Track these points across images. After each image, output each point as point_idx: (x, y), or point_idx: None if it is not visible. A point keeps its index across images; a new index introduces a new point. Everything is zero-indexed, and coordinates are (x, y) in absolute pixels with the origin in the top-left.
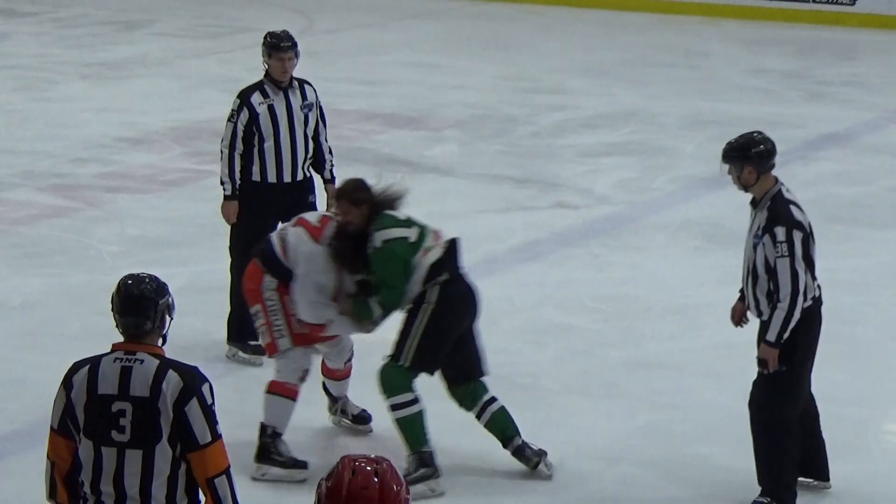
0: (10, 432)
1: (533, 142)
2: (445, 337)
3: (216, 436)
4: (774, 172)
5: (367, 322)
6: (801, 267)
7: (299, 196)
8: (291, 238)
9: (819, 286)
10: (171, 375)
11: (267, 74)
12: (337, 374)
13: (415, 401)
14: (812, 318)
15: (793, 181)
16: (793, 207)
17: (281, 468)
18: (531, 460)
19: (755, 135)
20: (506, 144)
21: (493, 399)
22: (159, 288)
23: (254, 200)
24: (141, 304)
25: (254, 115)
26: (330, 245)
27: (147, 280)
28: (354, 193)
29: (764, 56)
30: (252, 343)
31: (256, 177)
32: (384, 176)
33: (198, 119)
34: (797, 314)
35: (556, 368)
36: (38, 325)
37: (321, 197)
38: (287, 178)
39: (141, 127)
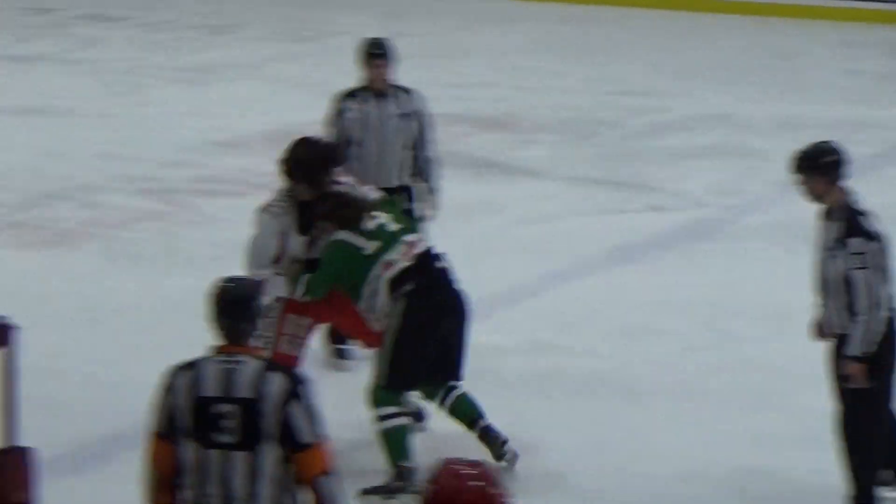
0: (110, 436)
1: (625, 144)
2: (415, 350)
3: (320, 436)
4: (853, 179)
5: (294, 292)
6: (877, 278)
7: None
8: None
9: None
10: (275, 377)
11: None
12: None
13: (396, 415)
14: (892, 331)
15: (887, 184)
16: (867, 218)
17: None
18: (497, 441)
19: (825, 144)
20: (597, 147)
21: (456, 386)
22: (255, 290)
23: None
24: (239, 306)
25: (345, 120)
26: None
27: (244, 282)
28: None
29: (857, 57)
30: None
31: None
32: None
33: (290, 122)
34: (879, 327)
35: (650, 372)
36: (134, 329)
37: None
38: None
39: (233, 131)
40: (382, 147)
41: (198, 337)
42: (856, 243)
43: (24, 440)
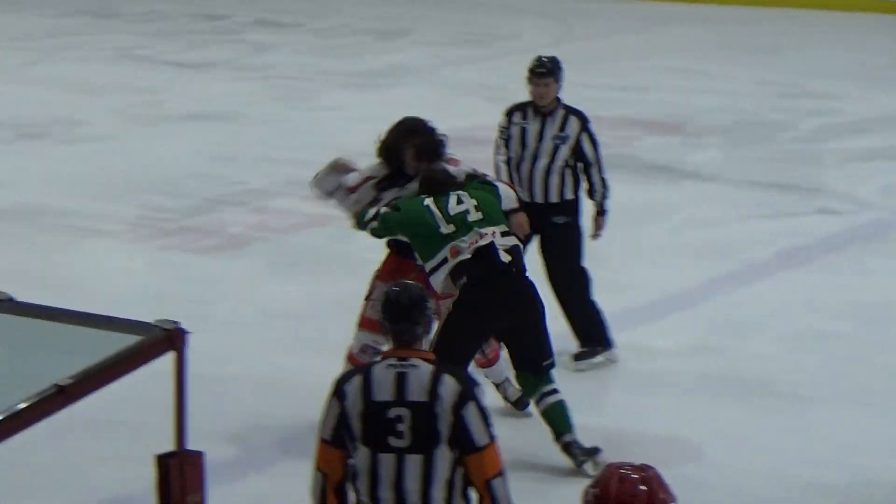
0: (278, 440)
1: (795, 147)
2: (459, 338)
3: (492, 438)
4: None
5: (353, 219)
6: None
7: (539, 215)
8: None
9: None
10: (448, 380)
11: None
12: (483, 362)
13: None
14: None
15: None
16: None
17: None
18: (577, 458)
19: None
20: (768, 150)
21: (555, 391)
22: (424, 294)
23: None
24: (412, 310)
25: (509, 130)
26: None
27: (414, 287)
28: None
29: None
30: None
31: None
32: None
33: (461, 127)
34: None
35: (819, 376)
36: (301, 333)
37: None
38: (523, 198)
39: None
40: (533, 165)
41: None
42: None
43: (192, 444)
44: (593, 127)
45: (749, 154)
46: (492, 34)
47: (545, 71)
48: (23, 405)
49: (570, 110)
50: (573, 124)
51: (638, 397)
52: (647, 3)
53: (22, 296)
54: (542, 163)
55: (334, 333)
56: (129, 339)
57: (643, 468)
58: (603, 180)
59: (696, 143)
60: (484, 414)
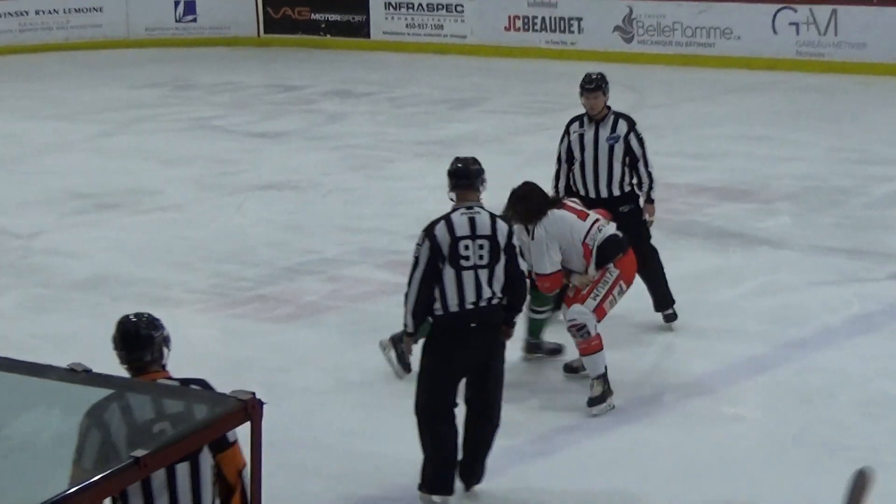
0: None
1: (866, 213)
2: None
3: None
4: None
5: None
6: None
7: (606, 208)
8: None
9: None
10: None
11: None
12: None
13: None
14: None
15: None
16: None
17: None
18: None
19: None
20: (839, 216)
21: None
22: (154, 324)
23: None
24: (139, 339)
25: (569, 139)
26: None
27: (145, 317)
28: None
29: None
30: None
31: (574, 188)
32: None
33: None
34: None
35: (894, 442)
36: (378, 400)
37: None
38: (592, 194)
39: None
40: (595, 164)
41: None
42: None
43: None
44: (640, 128)
45: (820, 220)
46: (563, 102)
47: (595, 85)
48: (99, 476)
49: (619, 115)
50: (622, 126)
51: (710, 461)
52: (719, 70)
53: (97, 366)
54: (602, 163)
55: (406, 402)
56: (204, 411)
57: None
58: (649, 174)
59: (767, 209)
60: None
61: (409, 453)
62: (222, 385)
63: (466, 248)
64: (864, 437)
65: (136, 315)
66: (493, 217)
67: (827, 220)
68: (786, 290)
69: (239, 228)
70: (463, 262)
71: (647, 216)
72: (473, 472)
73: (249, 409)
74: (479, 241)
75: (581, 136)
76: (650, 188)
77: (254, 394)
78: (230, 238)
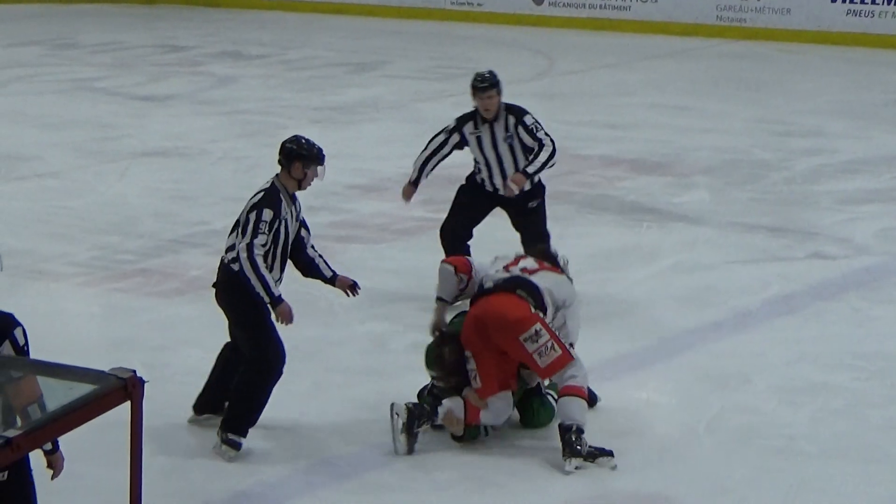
0: (238, 494)
1: (788, 188)
2: None
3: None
4: None
5: None
6: None
7: (516, 205)
8: (548, 282)
9: None
10: None
11: (478, 110)
12: None
13: None
14: None
15: None
16: None
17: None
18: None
19: None
20: (759, 191)
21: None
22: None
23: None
24: None
25: (463, 140)
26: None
27: None
28: None
29: None
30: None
31: (482, 184)
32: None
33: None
34: None
35: (813, 430)
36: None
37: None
38: (502, 192)
39: (373, 174)
40: (500, 164)
41: (336, 386)
42: None
43: (149, 499)
44: (528, 117)
45: (740, 195)
46: (468, 67)
47: (489, 84)
48: None
49: (508, 110)
50: (511, 121)
51: (619, 449)
52: (634, 35)
53: None
54: (507, 162)
55: (300, 381)
56: (82, 389)
57: None
58: (540, 141)
59: (684, 183)
60: (20, 353)
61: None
62: (102, 365)
63: None
64: (782, 426)
65: None
66: None
67: (747, 196)
68: (702, 269)
69: (122, 198)
70: None
71: (510, 186)
72: None
73: (130, 387)
74: None
75: (479, 139)
76: (531, 162)
77: (134, 371)
78: (112, 208)
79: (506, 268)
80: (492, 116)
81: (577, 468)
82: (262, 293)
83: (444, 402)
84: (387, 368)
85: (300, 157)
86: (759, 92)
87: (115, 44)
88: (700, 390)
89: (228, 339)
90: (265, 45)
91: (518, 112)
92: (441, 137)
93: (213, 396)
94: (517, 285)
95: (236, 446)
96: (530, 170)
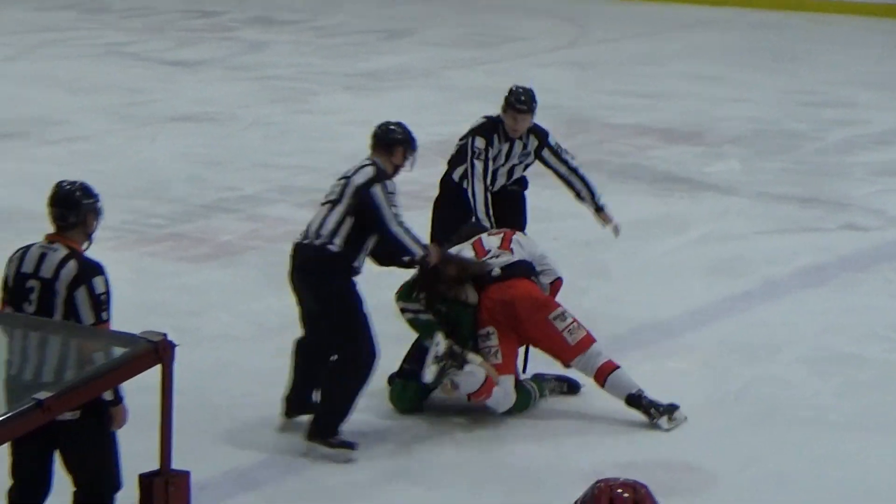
0: (269, 458)
1: (820, 159)
2: None
3: (100, 320)
4: None
5: None
6: None
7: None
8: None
9: None
10: (72, 263)
11: (502, 122)
12: None
13: None
14: None
15: None
16: None
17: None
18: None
19: None
20: (790, 161)
21: None
22: (87, 192)
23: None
24: (67, 200)
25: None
26: None
27: (78, 184)
28: None
29: None
30: None
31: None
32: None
33: (464, 133)
34: None
35: (842, 401)
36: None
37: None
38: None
39: None
40: (495, 179)
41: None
42: None
43: (178, 462)
44: (553, 138)
45: (771, 166)
46: (501, 35)
47: (528, 107)
48: (0, 420)
49: (531, 130)
50: (531, 142)
51: (646, 421)
52: (666, 4)
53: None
54: (501, 176)
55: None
56: (113, 351)
57: (634, 486)
58: (582, 178)
59: (715, 153)
60: (95, 299)
61: None
62: (132, 328)
63: None
64: (810, 396)
65: (73, 181)
66: None
67: (778, 166)
68: (732, 239)
69: (152, 162)
70: None
71: (606, 226)
72: None
73: (160, 351)
74: None
75: (496, 156)
76: (593, 196)
77: (165, 335)
78: (143, 172)
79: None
80: (518, 136)
81: (670, 426)
82: (417, 251)
83: (469, 361)
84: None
85: (405, 143)
86: (791, 62)
87: (145, 8)
88: (729, 361)
89: (300, 335)
90: (296, 11)
91: (541, 134)
92: (480, 166)
93: (302, 394)
94: (529, 271)
95: (350, 445)
96: (602, 202)
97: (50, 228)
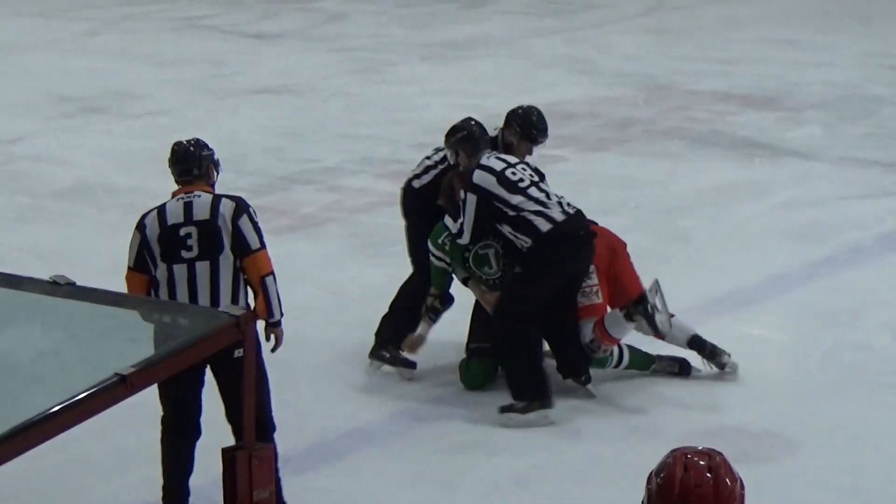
0: (354, 429)
1: None
2: None
3: (262, 245)
4: None
5: None
6: None
7: None
8: None
9: None
10: (226, 201)
11: (508, 145)
12: None
13: None
14: None
15: None
16: None
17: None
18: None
19: None
20: (873, 126)
21: None
22: (204, 146)
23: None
24: (188, 155)
25: None
26: None
27: (193, 140)
28: None
29: None
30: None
31: None
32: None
33: (545, 101)
34: None
35: None
36: (378, 317)
37: None
38: None
39: (484, 110)
40: None
41: (442, 321)
42: None
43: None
44: None
45: (853, 130)
46: (579, 3)
47: (545, 139)
48: (83, 395)
49: None
50: None
51: (729, 386)
52: None
53: (81, 279)
54: None
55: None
56: (196, 326)
57: (709, 454)
58: None
59: (795, 118)
60: (256, 225)
61: (417, 373)
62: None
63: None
64: (894, 361)
65: (189, 139)
66: None
67: (859, 130)
68: (814, 205)
69: (233, 135)
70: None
71: None
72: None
73: (242, 324)
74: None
75: None
76: None
77: (248, 308)
78: (224, 145)
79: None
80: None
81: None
82: None
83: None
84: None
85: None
86: (870, 24)
87: None
88: (811, 326)
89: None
90: None
91: None
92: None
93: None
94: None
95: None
96: None
97: (137, 199)
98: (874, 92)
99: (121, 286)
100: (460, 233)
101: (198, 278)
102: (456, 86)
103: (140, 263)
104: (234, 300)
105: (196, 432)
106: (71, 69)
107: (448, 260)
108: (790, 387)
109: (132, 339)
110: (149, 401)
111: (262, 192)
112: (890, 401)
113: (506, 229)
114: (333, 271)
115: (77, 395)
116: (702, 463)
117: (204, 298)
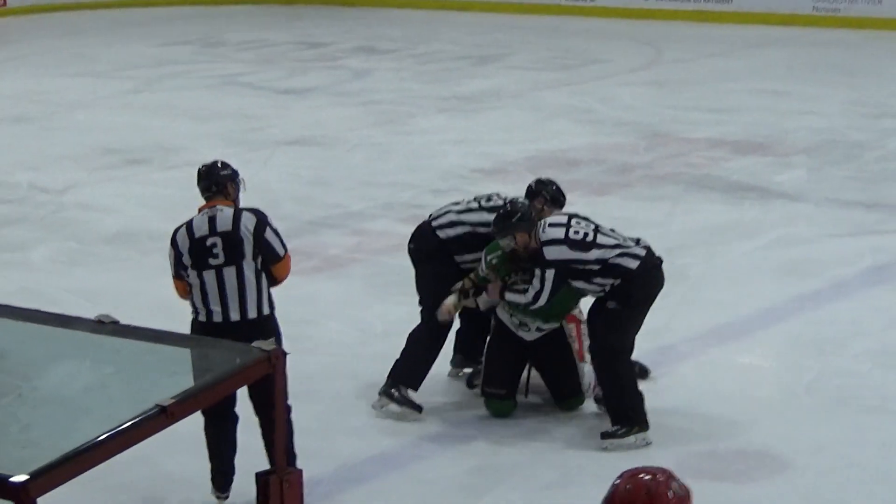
0: (378, 455)
1: (881, 166)
2: None
3: (286, 251)
4: None
5: None
6: None
7: None
8: None
9: None
10: (247, 214)
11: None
12: None
13: None
14: None
15: None
16: None
17: None
18: None
19: None
20: (855, 170)
21: None
22: (223, 166)
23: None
24: (209, 174)
25: None
26: None
27: (214, 161)
28: None
29: None
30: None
31: None
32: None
33: (552, 149)
34: None
35: None
36: (399, 351)
37: None
38: None
39: (496, 157)
40: None
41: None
42: None
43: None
44: None
45: (836, 173)
46: (583, 58)
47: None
48: (127, 424)
49: None
50: None
51: (724, 410)
52: (735, 25)
53: (125, 318)
54: None
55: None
56: (229, 360)
57: (655, 472)
58: None
59: (784, 162)
60: (278, 235)
61: (434, 402)
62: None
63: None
64: (876, 387)
65: (213, 160)
66: None
67: (842, 174)
68: (801, 243)
69: (265, 183)
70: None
71: None
72: None
73: (273, 359)
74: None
75: None
76: None
77: (278, 344)
78: (256, 193)
79: None
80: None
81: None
82: None
83: None
84: None
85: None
86: (853, 77)
87: (258, 41)
88: (799, 355)
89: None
90: (396, 40)
91: None
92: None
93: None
94: None
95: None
96: None
97: None
98: (856, 138)
99: (162, 324)
100: (537, 297)
101: (226, 281)
102: (470, 135)
103: (179, 272)
104: (259, 299)
105: (234, 417)
106: (116, 124)
107: (490, 278)
108: (780, 411)
109: (172, 373)
110: (190, 430)
111: (291, 235)
112: (873, 423)
113: (596, 280)
114: (358, 308)
115: (122, 425)
116: (645, 478)
117: (233, 298)
